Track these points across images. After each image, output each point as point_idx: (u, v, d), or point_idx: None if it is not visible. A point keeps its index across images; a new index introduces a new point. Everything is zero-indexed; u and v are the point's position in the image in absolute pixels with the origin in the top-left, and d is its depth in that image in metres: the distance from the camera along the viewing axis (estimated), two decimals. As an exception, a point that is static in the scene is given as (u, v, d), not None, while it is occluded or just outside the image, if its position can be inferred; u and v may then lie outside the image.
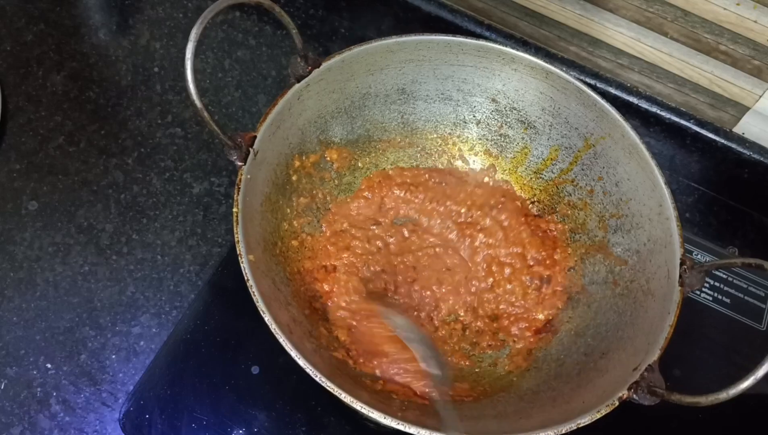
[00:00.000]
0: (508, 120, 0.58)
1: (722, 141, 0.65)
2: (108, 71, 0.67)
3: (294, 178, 0.53)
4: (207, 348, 0.54)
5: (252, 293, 0.42)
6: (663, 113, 0.66)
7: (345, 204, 0.57)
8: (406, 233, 0.57)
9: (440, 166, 0.60)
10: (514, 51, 0.54)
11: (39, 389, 0.52)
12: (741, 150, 0.65)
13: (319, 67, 0.51)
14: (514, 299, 0.54)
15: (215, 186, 0.62)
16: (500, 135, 0.59)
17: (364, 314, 0.51)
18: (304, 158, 0.54)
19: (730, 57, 0.60)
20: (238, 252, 0.43)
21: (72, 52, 0.68)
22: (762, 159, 0.64)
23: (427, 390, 0.47)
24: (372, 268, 0.54)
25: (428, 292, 0.54)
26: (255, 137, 0.47)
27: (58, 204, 0.60)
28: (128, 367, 0.54)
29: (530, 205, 0.58)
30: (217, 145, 0.64)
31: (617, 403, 0.40)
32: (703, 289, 0.61)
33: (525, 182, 0.59)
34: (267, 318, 0.41)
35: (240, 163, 0.46)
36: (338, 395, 0.39)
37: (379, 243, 0.55)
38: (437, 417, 0.43)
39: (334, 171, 0.56)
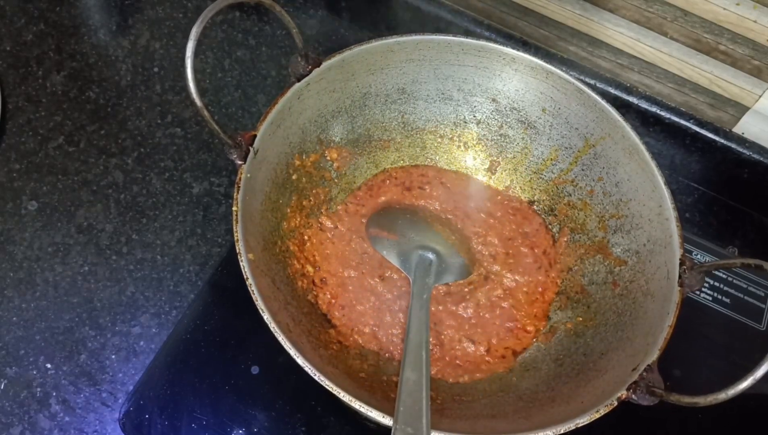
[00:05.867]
0: (509, 120, 0.58)
1: (722, 141, 0.65)
2: (108, 71, 0.67)
3: (294, 177, 0.53)
4: (207, 348, 0.54)
5: (251, 292, 0.42)
6: (663, 113, 0.66)
7: (345, 203, 0.57)
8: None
9: (440, 165, 0.60)
10: (514, 51, 0.54)
11: (39, 389, 0.53)
12: (741, 150, 0.65)
13: (319, 66, 0.51)
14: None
15: (215, 186, 0.62)
16: (500, 135, 0.59)
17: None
18: (304, 157, 0.54)
19: (729, 57, 0.60)
20: (237, 251, 0.43)
21: (72, 52, 0.68)
22: (762, 159, 0.64)
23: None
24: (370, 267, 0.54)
25: None
26: (255, 136, 0.47)
27: (57, 204, 0.60)
28: (128, 367, 0.54)
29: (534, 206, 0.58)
30: (217, 145, 0.64)
31: (616, 404, 0.40)
32: (703, 289, 0.61)
33: (525, 182, 0.59)
34: (266, 317, 0.41)
35: (240, 162, 0.46)
36: (338, 395, 0.39)
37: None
38: (436, 415, 0.43)
39: (335, 170, 0.57)
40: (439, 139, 0.60)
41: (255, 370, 0.53)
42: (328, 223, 0.55)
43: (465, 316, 0.53)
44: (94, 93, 0.66)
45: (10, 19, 0.69)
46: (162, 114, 0.65)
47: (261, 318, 0.41)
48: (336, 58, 0.52)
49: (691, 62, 0.62)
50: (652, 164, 0.49)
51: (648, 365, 0.41)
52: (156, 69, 0.68)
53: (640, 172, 0.50)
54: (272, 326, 0.41)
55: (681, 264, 0.45)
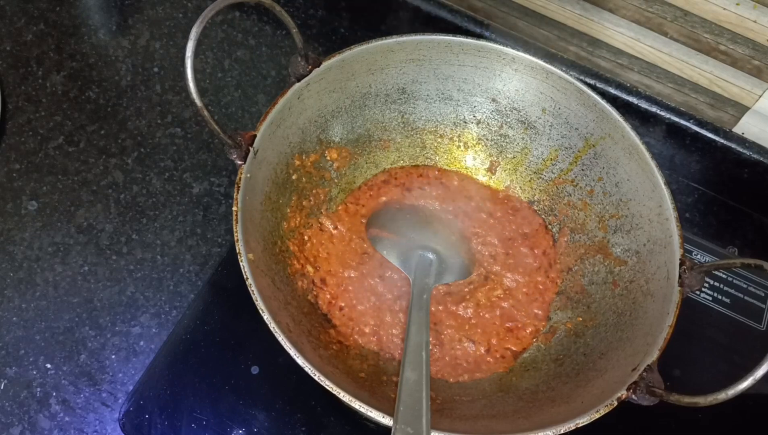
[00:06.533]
0: (509, 120, 0.58)
1: (722, 141, 0.65)
2: (108, 71, 0.67)
3: (294, 177, 0.53)
4: (207, 348, 0.54)
5: (251, 292, 0.42)
6: (663, 113, 0.66)
7: (345, 203, 0.57)
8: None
9: (440, 165, 0.60)
10: (514, 51, 0.54)
11: (39, 389, 0.53)
12: (741, 150, 0.65)
13: (319, 66, 0.51)
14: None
15: (215, 186, 0.62)
16: (500, 135, 0.59)
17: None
18: (304, 157, 0.54)
19: (729, 57, 0.60)
20: (237, 251, 0.43)
21: (72, 52, 0.68)
22: (762, 159, 0.64)
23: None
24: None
25: None
26: (255, 136, 0.47)
27: (57, 204, 0.60)
28: (128, 367, 0.54)
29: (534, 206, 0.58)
30: (217, 145, 0.64)
31: (616, 404, 0.40)
32: (703, 289, 0.61)
33: (525, 182, 0.59)
34: (266, 317, 0.41)
35: (240, 162, 0.46)
36: (337, 395, 0.39)
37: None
38: (436, 415, 0.43)
39: (335, 170, 0.57)
40: (439, 139, 0.60)
41: (255, 370, 0.53)
42: (328, 223, 0.55)
43: (465, 316, 0.53)
44: (94, 93, 0.66)
45: (10, 19, 0.69)
46: (162, 114, 0.65)
47: (261, 318, 0.41)
48: (336, 58, 0.52)
49: (691, 62, 0.62)
50: (652, 164, 0.50)
51: (648, 365, 0.41)
52: (156, 69, 0.68)
53: (640, 172, 0.50)
54: (272, 326, 0.41)
55: (681, 264, 0.45)
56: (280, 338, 0.40)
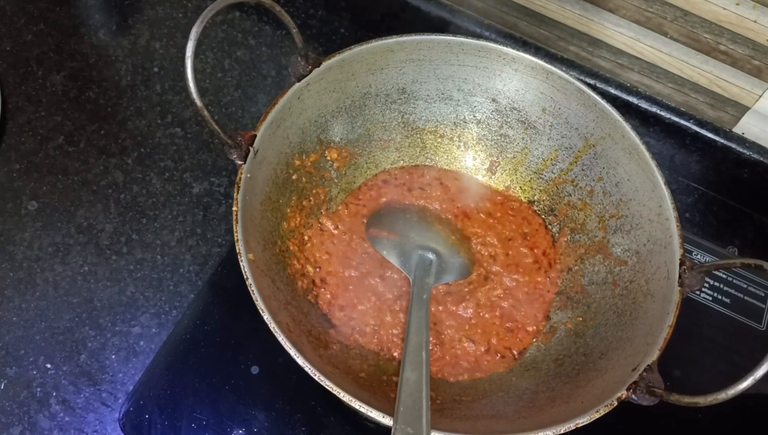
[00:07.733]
0: (509, 120, 0.58)
1: (722, 141, 0.65)
2: (108, 71, 0.67)
3: (294, 177, 0.53)
4: (207, 348, 0.54)
5: (251, 292, 0.42)
6: (663, 113, 0.66)
7: (345, 203, 0.57)
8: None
9: (440, 165, 0.60)
10: (514, 51, 0.54)
11: (39, 389, 0.53)
12: (741, 150, 0.65)
13: (319, 66, 0.51)
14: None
15: (215, 186, 0.62)
16: (500, 135, 0.59)
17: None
18: (304, 157, 0.54)
19: (729, 57, 0.60)
20: (237, 251, 0.43)
21: (72, 52, 0.68)
22: (762, 159, 0.64)
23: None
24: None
25: None
26: (255, 136, 0.47)
27: (57, 204, 0.60)
28: (128, 367, 0.54)
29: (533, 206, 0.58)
30: (217, 145, 0.64)
31: (616, 404, 0.40)
32: (703, 289, 0.61)
33: (525, 182, 0.59)
34: (266, 317, 0.41)
35: (240, 162, 0.46)
36: (338, 395, 0.39)
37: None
38: (436, 415, 0.43)
39: (335, 170, 0.57)
40: (439, 139, 0.60)
41: (255, 370, 0.53)
42: (329, 224, 0.55)
43: (465, 316, 0.53)
44: (94, 93, 0.66)
45: (10, 19, 0.69)
46: (162, 114, 0.65)
47: (261, 318, 0.41)
48: (336, 58, 0.52)
49: (691, 62, 0.62)
50: (652, 164, 0.50)
51: (648, 365, 0.41)
52: (156, 69, 0.68)
53: (640, 172, 0.50)
54: (272, 326, 0.41)
55: (681, 264, 0.45)
56: (280, 338, 0.40)
